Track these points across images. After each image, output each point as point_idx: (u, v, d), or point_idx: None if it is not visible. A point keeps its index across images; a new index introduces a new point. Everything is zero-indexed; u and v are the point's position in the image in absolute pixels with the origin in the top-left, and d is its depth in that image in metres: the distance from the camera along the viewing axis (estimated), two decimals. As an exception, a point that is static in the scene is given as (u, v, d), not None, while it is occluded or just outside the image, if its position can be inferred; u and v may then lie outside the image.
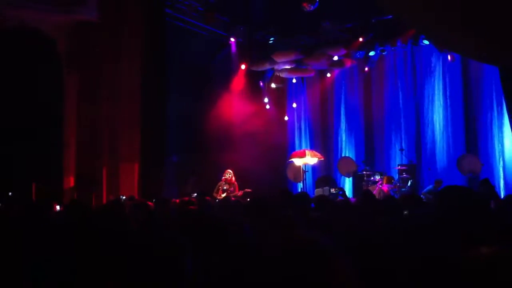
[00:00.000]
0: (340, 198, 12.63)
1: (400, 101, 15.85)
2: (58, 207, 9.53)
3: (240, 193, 12.87)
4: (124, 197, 10.59)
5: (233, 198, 12.22)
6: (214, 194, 12.81)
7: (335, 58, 15.56)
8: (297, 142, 17.86)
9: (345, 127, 16.94)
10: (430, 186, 13.08)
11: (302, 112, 17.90)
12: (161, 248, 1.80)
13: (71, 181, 11.93)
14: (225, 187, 12.97)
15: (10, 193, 10.41)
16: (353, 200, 10.54)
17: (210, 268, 2.01)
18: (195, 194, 12.65)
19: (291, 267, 1.34)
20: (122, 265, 1.82)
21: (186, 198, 10.19)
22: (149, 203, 7.15)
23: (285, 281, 1.33)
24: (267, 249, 1.41)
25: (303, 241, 1.41)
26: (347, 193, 14.35)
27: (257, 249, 1.45)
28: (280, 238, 1.44)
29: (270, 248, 1.41)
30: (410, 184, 13.80)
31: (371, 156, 16.18)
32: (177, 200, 9.42)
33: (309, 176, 15.77)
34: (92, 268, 2.13)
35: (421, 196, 10.31)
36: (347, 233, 2.43)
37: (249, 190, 13.01)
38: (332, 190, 14.07)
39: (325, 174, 16.32)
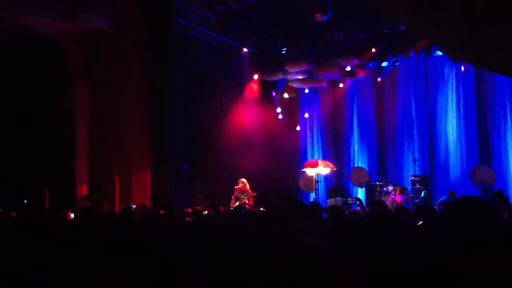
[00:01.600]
0: (354, 207, 12.58)
1: (413, 112, 15.77)
2: (72, 215, 9.61)
3: (251, 201, 12.91)
4: (134, 206, 10.65)
5: (247, 207, 12.29)
6: (230, 205, 12.88)
7: (348, 68, 15.57)
8: (309, 152, 17.81)
9: (358, 137, 16.87)
10: (444, 197, 12.98)
11: (315, 122, 17.87)
12: (163, 252, 1.81)
13: (83, 189, 12.01)
14: (238, 196, 13.03)
15: (24, 201, 10.52)
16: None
17: (214, 272, 2.01)
18: (207, 203, 12.71)
19: (294, 272, 1.34)
20: (125, 267, 1.82)
21: (199, 208, 10.23)
22: (161, 211, 7.19)
23: (288, 285, 1.33)
24: (270, 253, 1.41)
25: (306, 246, 1.42)
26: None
27: (262, 253, 1.45)
28: (285, 243, 1.45)
29: (274, 252, 1.41)
30: (424, 195, 13.69)
31: (383, 166, 16.09)
32: (189, 210, 9.44)
33: (321, 186, 15.72)
34: (95, 270, 2.14)
35: (435, 207, 10.23)
36: (356, 241, 2.42)
37: (254, 194, 13.04)
38: (349, 200, 14.01)
39: (337, 184, 16.25)
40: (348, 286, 1.32)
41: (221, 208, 12.32)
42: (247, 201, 12.91)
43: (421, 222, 4.92)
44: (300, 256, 1.34)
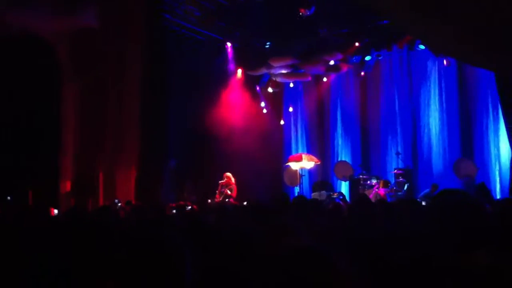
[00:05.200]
0: (337, 201, 12.64)
1: (396, 106, 15.88)
2: (55, 211, 9.55)
3: (234, 193, 12.94)
4: (119, 202, 10.61)
5: (231, 200, 12.33)
6: (215, 199, 12.90)
7: (331, 62, 15.61)
8: (293, 146, 17.86)
9: (342, 131, 16.95)
10: (427, 190, 13.10)
11: (299, 116, 17.91)
12: (160, 249, 1.81)
13: (67, 186, 11.93)
14: (222, 190, 13.05)
15: (8, 197, 10.43)
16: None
17: (209, 270, 2.02)
18: (193, 198, 12.69)
19: (292, 271, 1.35)
20: (121, 265, 1.82)
21: (182, 203, 10.22)
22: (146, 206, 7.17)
23: (286, 284, 1.34)
24: (267, 254, 1.42)
25: (302, 246, 1.43)
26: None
27: (256, 253, 1.46)
28: (281, 244, 1.46)
29: (271, 252, 1.42)
30: (407, 188, 13.81)
31: (367, 160, 16.19)
32: (173, 204, 9.44)
33: (305, 180, 15.78)
34: (90, 269, 2.14)
35: (418, 200, 10.31)
36: (340, 237, 2.44)
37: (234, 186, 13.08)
38: (334, 195, 14.08)
39: (322, 178, 16.32)
40: (347, 285, 1.34)
41: (206, 202, 12.36)
42: (229, 193, 12.93)
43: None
44: (299, 256, 1.35)
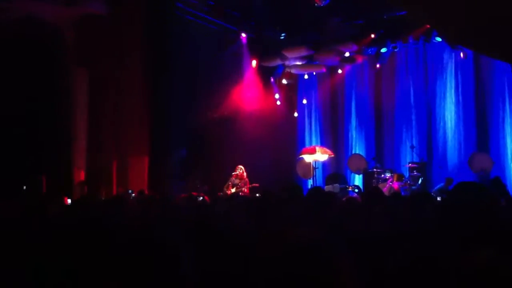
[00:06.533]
0: (351, 194, 12.60)
1: (412, 98, 15.74)
2: (69, 201, 9.62)
3: (247, 189, 12.89)
4: (132, 193, 10.65)
5: (241, 194, 12.30)
6: (225, 189, 12.87)
7: (347, 54, 15.50)
8: (307, 138, 17.79)
9: (356, 124, 16.83)
10: (441, 184, 12.99)
11: (313, 108, 17.82)
12: (161, 249, 1.79)
13: (81, 175, 12.00)
14: (235, 182, 13.01)
15: (24, 187, 10.52)
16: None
17: (211, 268, 1.99)
18: (204, 189, 12.71)
19: (294, 265, 1.32)
20: (124, 265, 1.80)
21: (195, 193, 10.23)
22: (158, 197, 7.18)
23: (288, 280, 1.31)
24: (269, 247, 1.39)
25: (306, 238, 1.40)
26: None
27: (259, 247, 1.43)
28: (283, 236, 1.42)
29: (272, 246, 1.39)
30: (421, 182, 13.70)
31: (381, 153, 16.08)
32: (185, 195, 9.45)
33: (319, 173, 15.71)
34: (93, 268, 2.12)
35: (432, 194, 10.21)
36: (345, 233, 2.41)
37: (256, 184, 12.99)
38: (349, 188, 14.01)
39: (335, 171, 16.25)
40: (348, 280, 1.30)
41: (218, 194, 12.36)
42: (245, 190, 12.90)
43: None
44: (297, 251, 1.32)
